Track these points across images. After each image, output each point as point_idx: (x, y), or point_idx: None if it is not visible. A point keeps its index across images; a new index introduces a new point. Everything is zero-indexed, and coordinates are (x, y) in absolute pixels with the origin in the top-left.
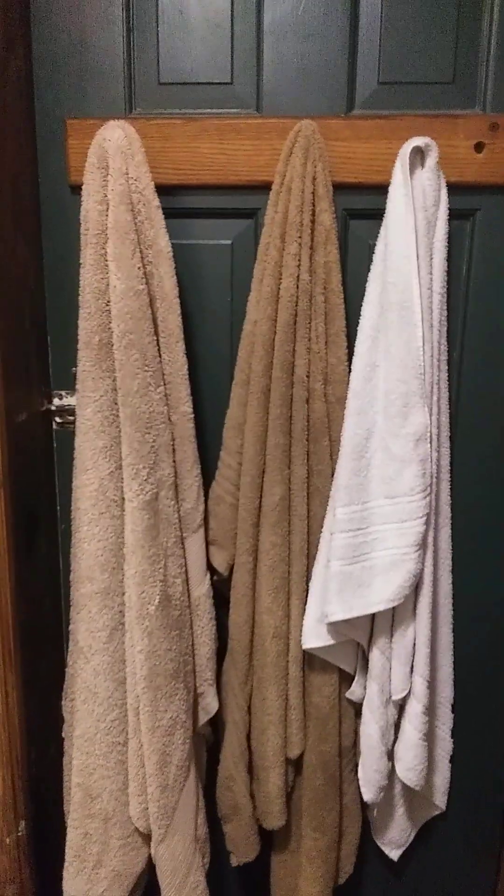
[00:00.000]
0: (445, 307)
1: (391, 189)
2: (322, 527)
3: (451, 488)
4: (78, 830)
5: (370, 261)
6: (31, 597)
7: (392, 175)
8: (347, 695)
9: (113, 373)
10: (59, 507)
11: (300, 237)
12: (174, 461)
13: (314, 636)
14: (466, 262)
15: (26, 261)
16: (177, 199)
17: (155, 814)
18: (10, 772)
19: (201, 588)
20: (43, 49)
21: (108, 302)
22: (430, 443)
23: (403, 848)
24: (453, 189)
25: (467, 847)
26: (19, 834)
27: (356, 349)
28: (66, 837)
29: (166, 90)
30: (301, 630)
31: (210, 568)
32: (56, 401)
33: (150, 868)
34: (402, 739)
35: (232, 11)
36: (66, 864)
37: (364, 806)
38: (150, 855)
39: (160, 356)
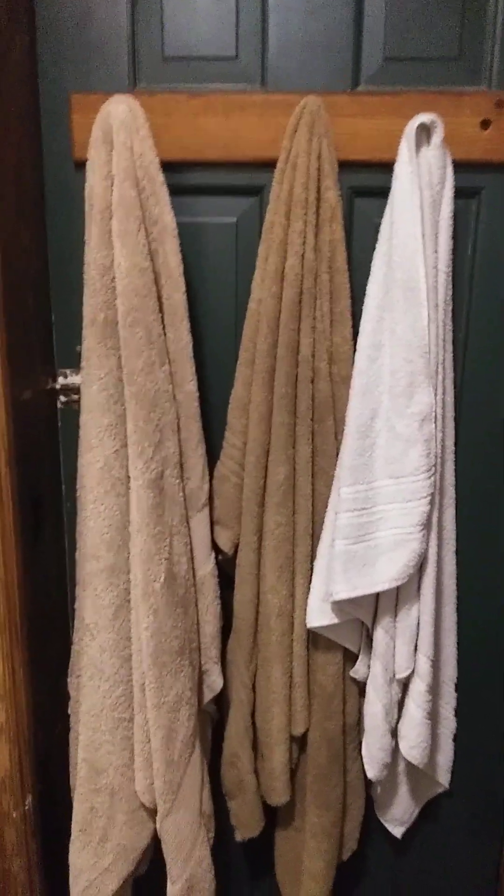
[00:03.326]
0: (451, 286)
1: (396, 167)
2: (327, 506)
3: (455, 468)
4: (84, 805)
5: (375, 239)
6: (37, 575)
7: (398, 152)
8: (351, 673)
9: (118, 350)
10: (63, 486)
11: (305, 215)
12: (179, 440)
13: (318, 615)
14: (472, 241)
15: (30, 238)
16: (181, 176)
17: (160, 789)
18: (16, 747)
19: (206, 567)
20: (47, 23)
21: (113, 279)
22: (435, 423)
23: (407, 825)
24: (459, 167)
25: (471, 824)
26: (26, 808)
27: (361, 328)
28: (73, 812)
29: (171, 65)
30: (305, 609)
31: (215, 547)
32: (60, 379)
33: (155, 842)
34: (405, 717)
35: None
36: (72, 838)
37: (368, 783)
38: (155, 829)
39: (165, 334)
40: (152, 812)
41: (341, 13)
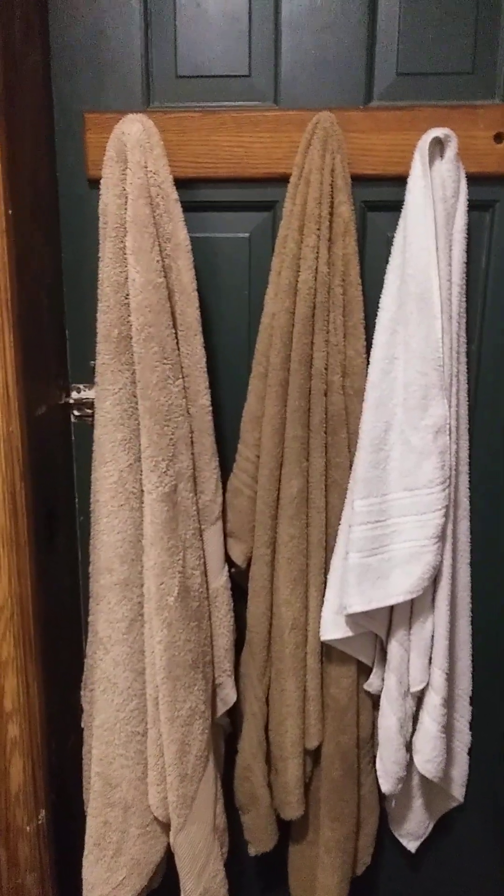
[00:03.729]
0: (465, 299)
1: (410, 180)
2: (340, 519)
3: (469, 480)
4: (98, 819)
5: (389, 253)
6: (50, 588)
7: (411, 166)
8: (365, 686)
9: (132, 366)
10: (77, 500)
11: (318, 229)
12: (192, 453)
13: (332, 628)
14: (486, 254)
15: (44, 255)
16: (195, 193)
17: (174, 803)
18: (30, 761)
19: (219, 580)
20: (60, 42)
21: (127, 295)
22: (450, 435)
23: (421, 839)
24: (473, 180)
25: (485, 839)
26: (39, 822)
27: (375, 341)
28: (86, 826)
29: (184, 83)
30: (319, 622)
31: (228, 560)
32: (74, 394)
33: (168, 856)
34: (420, 731)
35: (249, 3)
36: (85, 852)
37: (382, 797)
38: (168, 844)
39: (179, 349)
40: (166, 826)
41: (354, 29)
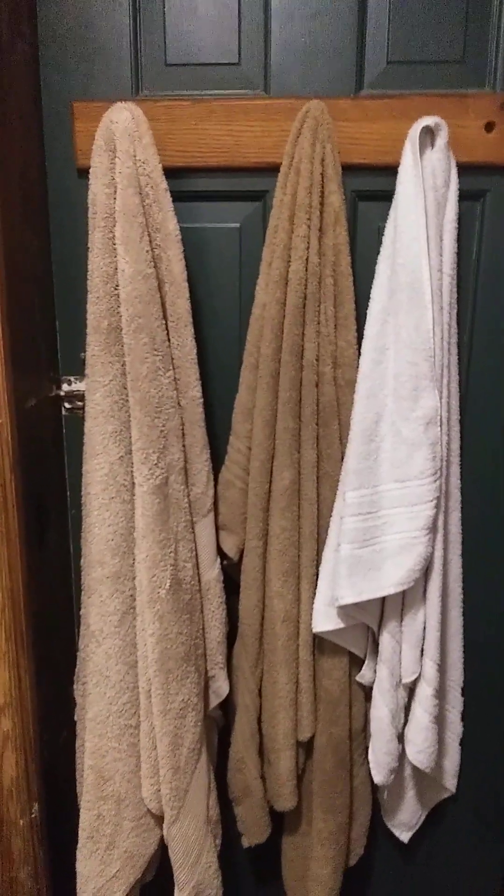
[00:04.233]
0: (455, 289)
1: (401, 170)
2: (332, 511)
3: (461, 471)
4: (91, 812)
5: (380, 243)
6: (42, 582)
7: (402, 156)
8: (358, 678)
9: (122, 357)
10: (69, 493)
11: (309, 219)
12: (184, 446)
13: (324, 619)
14: (476, 244)
15: (34, 246)
16: (184, 182)
17: (167, 795)
18: (23, 755)
19: (211, 572)
20: (49, 30)
21: (117, 286)
22: (441, 426)
23: (414, 830)
24: (463, 169)
25: (477, 829)
26: (32, 816)
27: (366, 332)
28: (80, 819)
29: (173, 71)
30: (311, 614)
31: (220, 552)
32: (65, 386)
33: (162, 849)
34: (412, 722)
35: None
36: (79, 846)
37: (374, 788)
38: (162, 836)
39: (169, 340)
40: (159, 819)
41: (344, 17)
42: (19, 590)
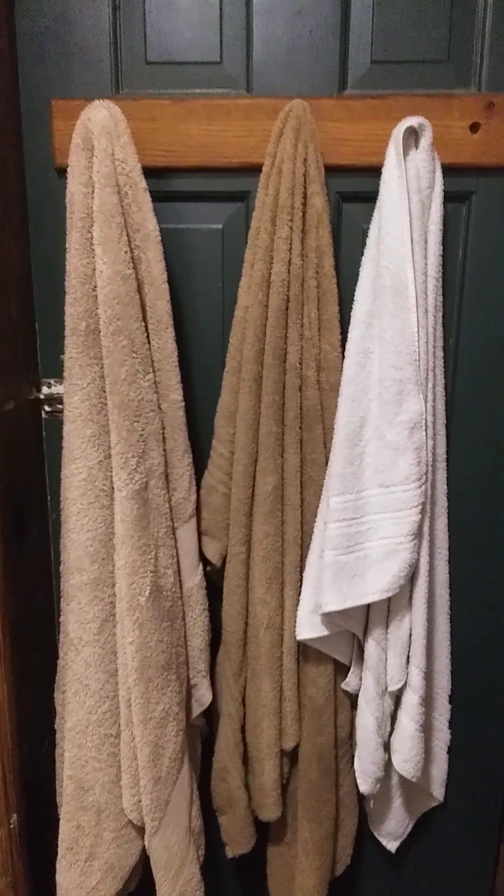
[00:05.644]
0: (441, 292)
1: (384, 171)
2: (316, 516)
3: (447, 477)
4: (71, 823)
5: (363, 245)
6: (22, 588)
7: (385, 157)
8: (343, 686)
9: (101, 360)
10: (49, 497)
11: (291, 220)
12: (164, 450)
13: (308, 627)
14: (462, 246)
15: (12, 246)
16: (165, 182)
17: (148, 806)
18: (1, 764)
19: (194, 579)
20: (27, 28)
21: (95, 287)
22: (426, 430)
23: (401, 839)
24: (448, 171)
25: (466, 838)
26: (11, 827)
27: (349, 335)
28: (59, 830)
29: (154, 70)
30: (295, 621)
31: (203, 558)
32: (45, 389)
33: (144, 860)
34: (398, 731)
35: None
36: (59, 857)
37: (361, 797)
38: (143, 847)
39: (149, 343)
40: (140, 830)
41: (327, 16)
42: None
